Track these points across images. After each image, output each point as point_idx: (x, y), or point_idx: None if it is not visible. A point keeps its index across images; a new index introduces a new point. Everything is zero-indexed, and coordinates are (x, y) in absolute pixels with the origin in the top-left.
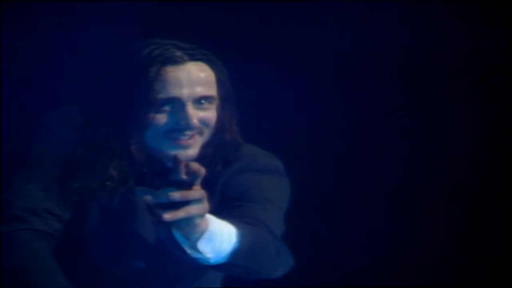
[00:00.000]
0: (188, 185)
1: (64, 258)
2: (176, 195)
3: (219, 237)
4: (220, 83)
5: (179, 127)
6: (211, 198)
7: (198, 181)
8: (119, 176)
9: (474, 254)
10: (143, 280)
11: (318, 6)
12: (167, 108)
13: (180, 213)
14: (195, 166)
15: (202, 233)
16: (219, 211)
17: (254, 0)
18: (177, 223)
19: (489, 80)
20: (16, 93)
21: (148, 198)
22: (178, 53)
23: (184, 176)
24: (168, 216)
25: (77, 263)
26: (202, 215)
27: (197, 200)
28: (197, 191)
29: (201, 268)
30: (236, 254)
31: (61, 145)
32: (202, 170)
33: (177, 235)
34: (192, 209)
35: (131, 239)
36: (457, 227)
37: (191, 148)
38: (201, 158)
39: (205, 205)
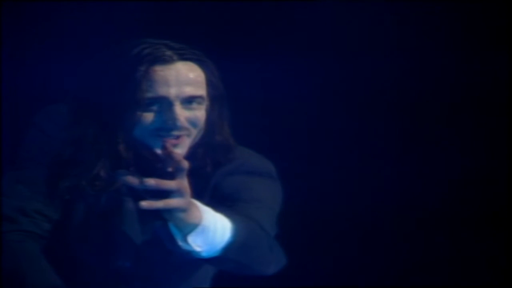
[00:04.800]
0: (171, 178)
1: (52, 257)
2: (151, 182)
3: (212, 232)
4: (210, 83)
5: (166, 126)
6: (201, 200)
7: (182, 175)
8: (107, 175)
9: (474, 262)
10: (130, 280)
11: (311, 6)
12: (154, 107)
13: (159, 204)
14: (178, 156)
15: (195, 226)
16: None
17: (247, 0)
18: (166, 215)
19: (490, 100)
20: (16, 93)
21: (131, 180)
22: (168, 52)
23: (170, 169)
24: (145, 204)
25: (65, 263)
26: (183, 209)
27: (177, 193)
28: (174, 182)
29: (189, 269)
30: (229, 248)
31: (49, 144)
32: (185, 163)
33: (172, 227)
34: (172, 202)
35: (118, 239)
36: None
37: (179, 147)
38: (191, 159)
39: (186, 199)
